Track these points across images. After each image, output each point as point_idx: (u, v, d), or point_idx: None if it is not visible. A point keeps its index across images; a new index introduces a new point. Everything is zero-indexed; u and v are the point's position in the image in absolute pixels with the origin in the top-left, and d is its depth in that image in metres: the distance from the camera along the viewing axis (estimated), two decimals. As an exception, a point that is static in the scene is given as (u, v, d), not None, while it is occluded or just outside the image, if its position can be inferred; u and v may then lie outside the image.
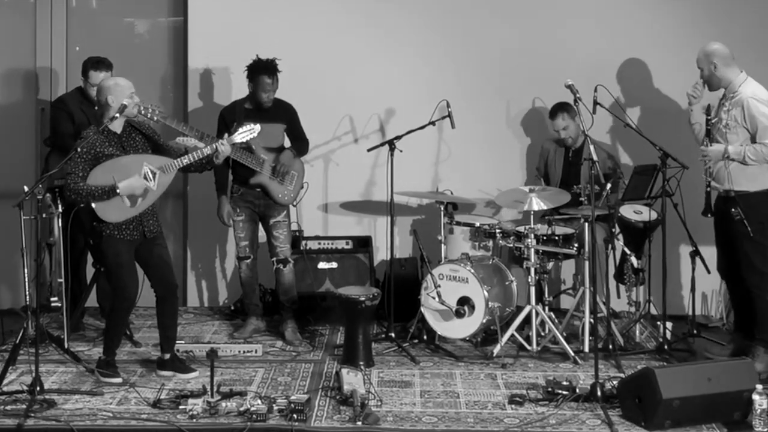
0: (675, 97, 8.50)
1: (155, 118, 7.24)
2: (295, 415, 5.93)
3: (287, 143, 7.98)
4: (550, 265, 7.68)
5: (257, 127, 6.98)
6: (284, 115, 7.88)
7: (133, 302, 6.74)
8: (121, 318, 6.86)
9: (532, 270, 7.35)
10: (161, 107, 7.42)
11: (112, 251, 6.65)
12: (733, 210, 6.84)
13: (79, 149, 6.47)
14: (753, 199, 6.84)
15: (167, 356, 6.89)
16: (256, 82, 7.69)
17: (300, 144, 8.01)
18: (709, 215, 7.01)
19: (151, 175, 6.60)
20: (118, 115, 6.57)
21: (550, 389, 6.33)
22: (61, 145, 7.63)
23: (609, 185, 7.30)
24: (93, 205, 6.51)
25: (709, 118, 6.99)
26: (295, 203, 7.99)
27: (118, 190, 6.49)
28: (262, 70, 7.68)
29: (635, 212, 7.66)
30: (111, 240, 6.63)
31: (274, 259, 7.88)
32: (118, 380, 6.70)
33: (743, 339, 7.10)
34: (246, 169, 7.68)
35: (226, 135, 7.09)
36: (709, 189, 6.98)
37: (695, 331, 7.62)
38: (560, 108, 8.02)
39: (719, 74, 6.98)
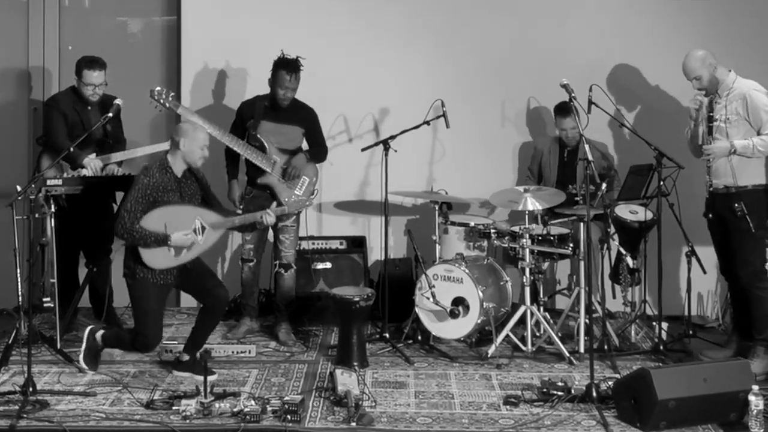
0: (671, 96, 8.49)
1: (167, 105, 7.27)
2: (288, 416, 5.90)
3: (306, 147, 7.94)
4: (545, 265, 7.66)
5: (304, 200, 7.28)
6: (303, 118, 7.81)
7: (151, 350, 6.73)
8: (132, 351, 6.86)
9: (527, 270, 7.33)
10: (174, 93, 7.43)
11: (141, 295, 6.63)
12: (736, 205, 6.80)
13: (142, 182, 6.53)
14: (755, 195, 6.82)
15: (187, 358, 6.87)
16: (275, 78, 7.62)
17: (317, 150, 7.94)
18: (710, 216, 6.99)
19: (200, 230, 6.64)
20: (110, 115, 6.56)
21: (545, 390, 6.31)
22: (53, 145, 7.59)
23: (605, 185, 7.27)
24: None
25: (711, 114, 6.94)
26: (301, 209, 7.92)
27: (169, 242, 6.52)
28: (282, 65, 7.59)
29: (631, 212, 7.64)
30: (144, 283, 6.60)
31: (277, 262, 7.83)
32: (90, 372, 6.81)
33: (742, 340, 7.09)
34: (257, 168, 7.63)
35: (274, 204, 7.17)
36: (712, 188, 6.94)
37: (691, 332, 7.60)
38: (571, 107, 7.83)
39: (718, 75, 6.93)
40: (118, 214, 6.67)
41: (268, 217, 6.83)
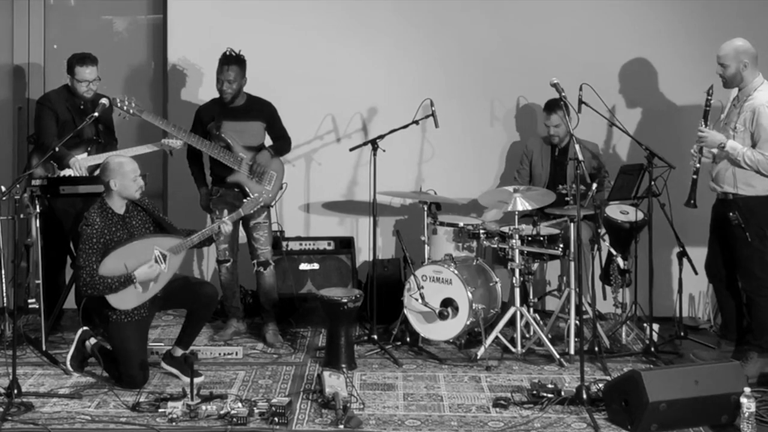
0: (663, 96, 8.47)
1: (131, 111, 7.22)
2: (276, 419, 5.87)
3: (270, 142, 7.88)
4: (535, 266, 7.62)
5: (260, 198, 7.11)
6: (262, 113, 7.77)
7: (139, 387, 6.51)
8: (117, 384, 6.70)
9: (517, 271, 7.29)
10: (135, 99, 7.36)
11: (119, 337, 6.56)
12: (731, 214, 6.74)
13: (86, 233, 6.42)
14: (752, 204, 6.72)
15: (180, 353, 6.81)
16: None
17: (281, 143, 7.90)
18: (692, 202, 6.91)
19: (161, 258, 6.56)
20: (96, 114, 6.50)
21: (535, 392, 6.28)
22: (43, 144, 7.53)
23: (595, 185, 7.24)
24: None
25: (709, 98, 6.84)
26: (273, 203, 7.87)
27: (134, 279, 6.44)
28: (220, 58, 7.59)
29: (621, 212, 7.61)
30: (118, 325, 6.53)
31: (255, 261, 7.78)
32: (75, 374, 6.75)
33: (734, 343, 7.06)
34: (224, 167, 7.58)
35: (225, 211, 7.27)
36: (695, 177, 6.88)
37: (682, 333, 7.57)
38: (558, 105, 7.65)
39: (745, 74, 6.76)
40: (75, 274, 6.58)
41: (225, 226, 6.79)
